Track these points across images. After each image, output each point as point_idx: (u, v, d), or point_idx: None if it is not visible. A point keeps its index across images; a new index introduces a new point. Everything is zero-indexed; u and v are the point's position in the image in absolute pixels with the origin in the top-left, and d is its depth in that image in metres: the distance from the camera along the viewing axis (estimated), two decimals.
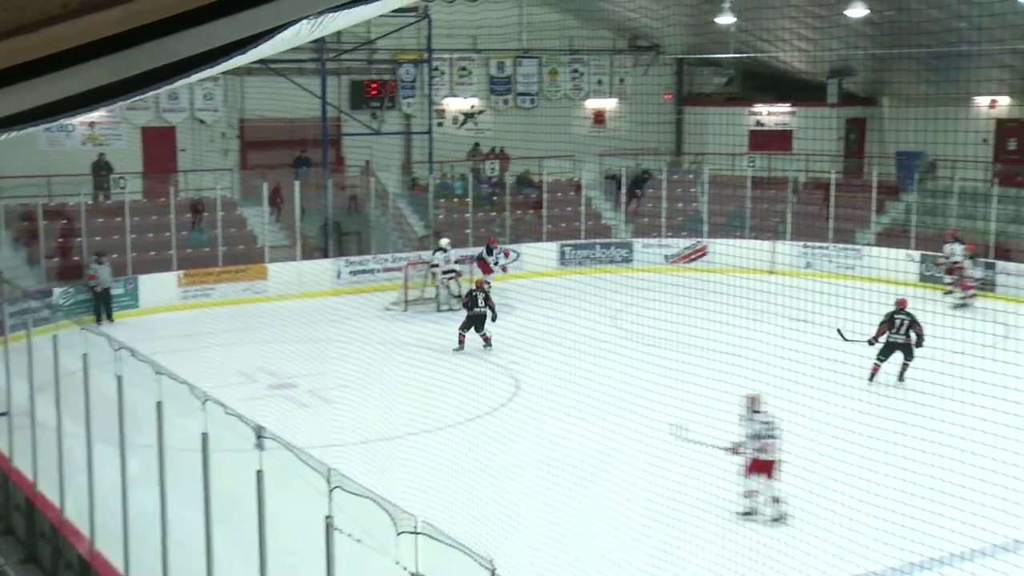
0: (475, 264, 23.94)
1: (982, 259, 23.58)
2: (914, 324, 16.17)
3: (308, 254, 25.94)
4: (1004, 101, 28.22)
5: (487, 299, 19.53)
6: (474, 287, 20.06)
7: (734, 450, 11.42)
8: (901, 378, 16.27)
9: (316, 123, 27.42)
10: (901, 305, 16.65)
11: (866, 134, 31.55)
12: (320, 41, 25.51)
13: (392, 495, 8.53)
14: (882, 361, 16.52)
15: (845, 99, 30.70)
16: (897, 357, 16.46)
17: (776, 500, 11.23)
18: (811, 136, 29.14)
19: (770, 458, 11.31)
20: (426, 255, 24.83)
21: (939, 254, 23.98)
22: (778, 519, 11.07)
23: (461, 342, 19.37)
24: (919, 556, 9.89)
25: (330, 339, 19.60)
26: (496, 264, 24.06)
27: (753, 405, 11.67)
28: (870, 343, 16.24)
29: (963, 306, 21.69)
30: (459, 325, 19.56)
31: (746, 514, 11.27)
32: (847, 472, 11.31)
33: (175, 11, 1.57)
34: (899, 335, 16.35)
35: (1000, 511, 10.06)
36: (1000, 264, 24.02)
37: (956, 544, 9.91)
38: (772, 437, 11.39)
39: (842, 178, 29.22)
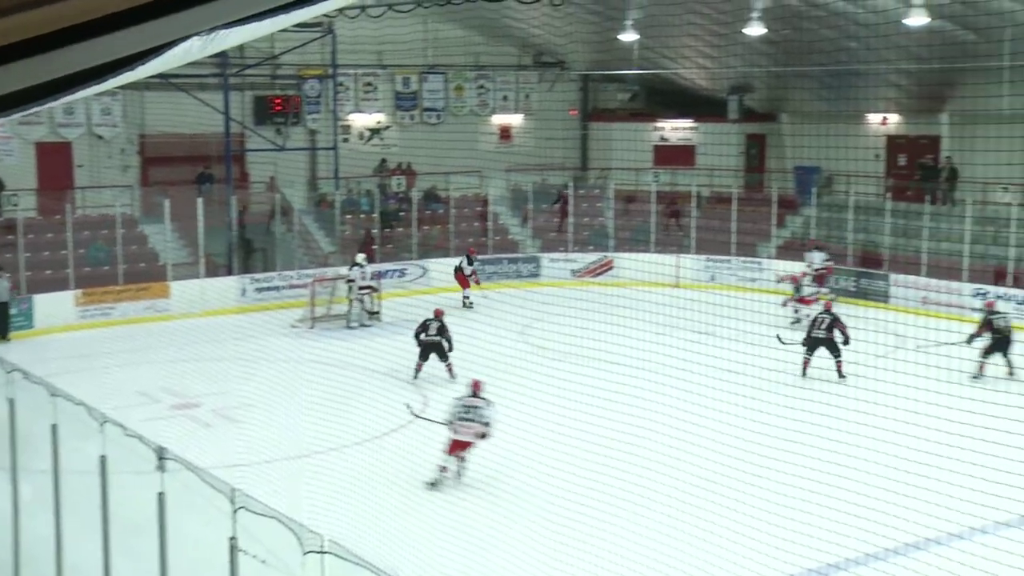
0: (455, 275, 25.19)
1: (842, 267, 24.36)
2: (836, 322, 17.79)
3: (212, 271, 25.52)
4: (894, 119, 29.16)
5: (442, 329, 18.16)
6: (432, 316, 18.52)
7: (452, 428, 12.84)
8: (841, 374, 17.44)
9: (219, 139, 27.03)
10: (827, 307, 18.80)
11: (766, 149, 32.32)
12: (222, 56, 25.19)
13: (298, 515, 8.43)
14: (808, 356, 17.95)
15: (745, 115, 31.41)
16: (824, 353, 17.78)
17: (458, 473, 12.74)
18: (713, 151, 29.75)
19: (464, 439, 12.74)
20: (333, 271, 24.64)
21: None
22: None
23: (419, 368, 18.34)
24: (833, 556, 10.12)
25: (235, 357, 19.31)
26: (471, 276, 25.05)
27: (475, 391, 13.17)
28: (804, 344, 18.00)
29: (797, 321, 21.61)
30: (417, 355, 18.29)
31: (432, 483, 12.69)
32: (748, 479, 11.52)
33: (54, 27, 1.53)
34: (820, 331, 17.92)
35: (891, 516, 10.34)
36: (892, 276, 24.78)
37: (865, 543, 10.17)
38: (471, 420, 12.74)
39: (743, 192, 29.86)
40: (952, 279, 23.85)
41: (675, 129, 32.77)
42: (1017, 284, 22.70)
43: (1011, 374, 17.53)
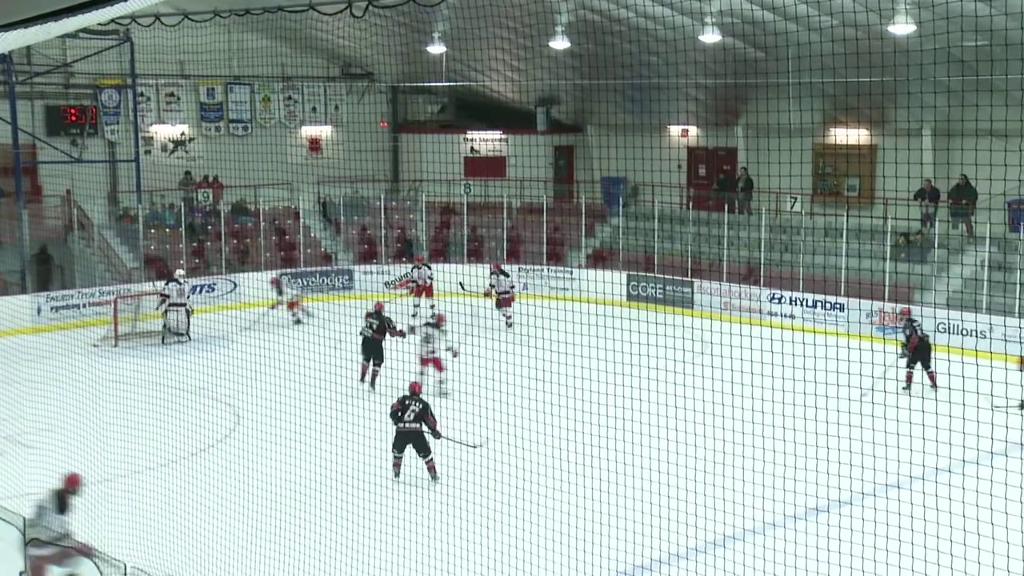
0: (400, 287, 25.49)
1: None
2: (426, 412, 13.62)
3: (3, 290, 24.17)
4: (693, 131, 30.39)
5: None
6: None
7: None
8: None
9: (7, 150, 25.64)
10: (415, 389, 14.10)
11: (574, 160, 33.09)
12: (7, 62, 23.95)
13: (101, 541, 8.09)
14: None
15: (553, 127, 32.09)
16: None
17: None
18: (523, 163, 30.26)
19: None
20: (137, 287, 23.79)
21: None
22: None
23: (364, 370, 18.25)
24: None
25: (30, 380, 18.32)
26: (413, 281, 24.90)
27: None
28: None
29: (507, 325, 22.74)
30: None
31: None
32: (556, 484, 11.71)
33: None
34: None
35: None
36: (697, 283, 25.80)
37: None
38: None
39: (553, 202, 30.47)
40: (750, 284, 25.06)
41: (485, 141, 33.14)
42: (808, 289, 23.99)
43: (934, 386, 17.12)
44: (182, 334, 22.77)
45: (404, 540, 10.63)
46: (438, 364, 17.69)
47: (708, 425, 12.35)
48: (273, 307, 24.05)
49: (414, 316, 23.01)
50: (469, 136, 33.17)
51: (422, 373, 17.33)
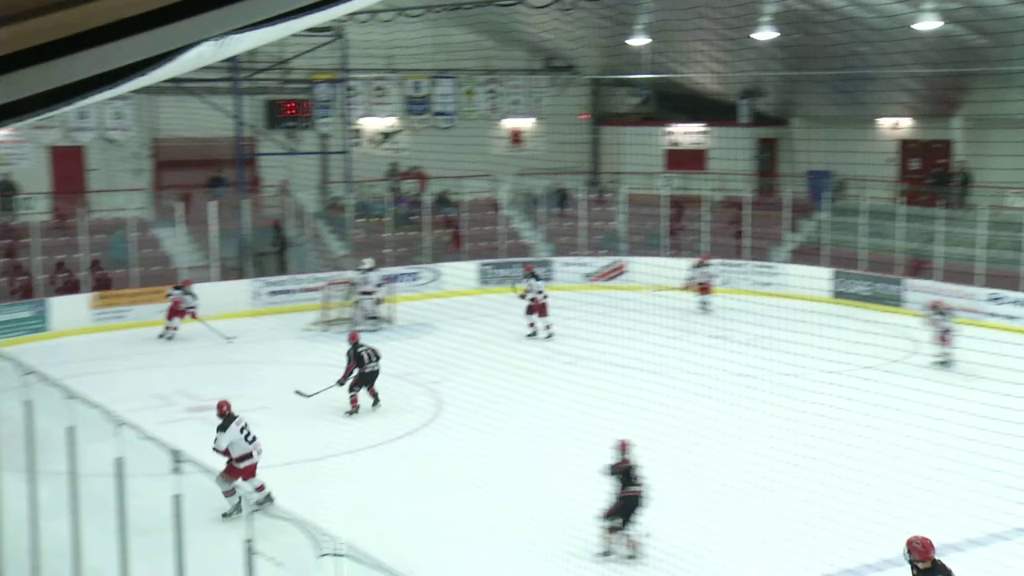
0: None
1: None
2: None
3: (225, 275, 25.60)
4: (906, 123, 29.08)
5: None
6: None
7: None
8: None
9: (231, 142, 27.13)
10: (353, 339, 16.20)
11: (778, 154, 32.25)
12: (233, 60, 25.26)
13: (314, 517, 8.46)
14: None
15: (757, 119, 31.35)
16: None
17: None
18: (725, 156, 29.69)
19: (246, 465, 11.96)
20: (346, 275, 24.68)
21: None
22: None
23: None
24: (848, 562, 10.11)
25: (249, 360, 19.36)
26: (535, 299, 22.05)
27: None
28: (340, 383, 16.22)
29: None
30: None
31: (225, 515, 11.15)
32: (767, 483, 11.49)
33: (68, 32, 1.54)
34: (371, 365, 16.32)
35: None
36: (906, 281, 24.71)
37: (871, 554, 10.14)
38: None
39: (756, 196, 29.80)
40: (966, 283, 23.78)
41: (686, 133, 32.74)
42: None
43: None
44: (373, 318, 23.42)
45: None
46: (543, 310, 20.63)
47: (924, 428, 11.79)
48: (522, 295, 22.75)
49: (531, 335, 21.74)
50: (670, 128, 32.84)
51: (531, 324, 19.63)
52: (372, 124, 31.12)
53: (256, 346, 20.36)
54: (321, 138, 29.93)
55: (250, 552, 6.34)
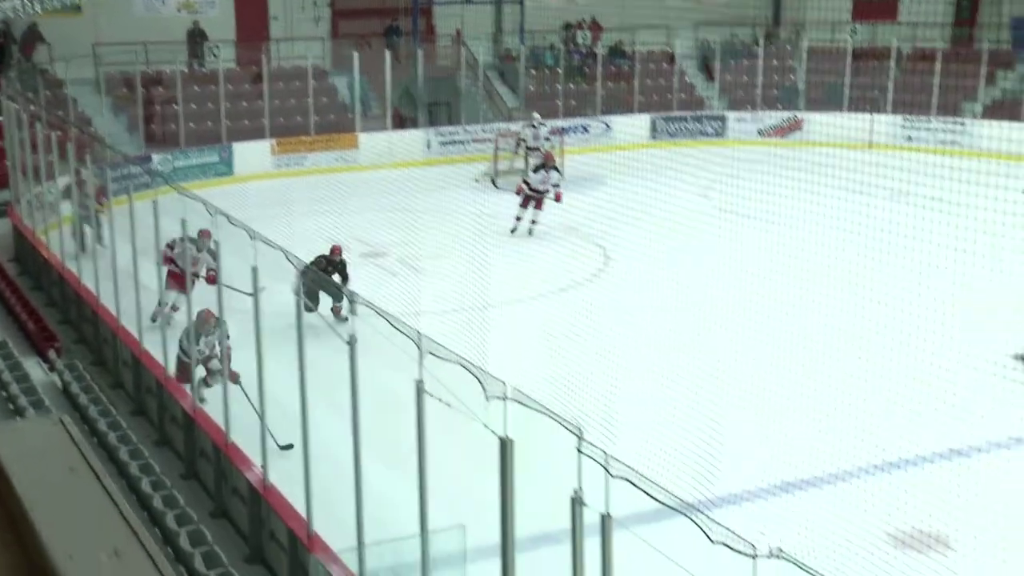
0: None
1: None
2: None
3: (399, 124, 25.97)
4: None
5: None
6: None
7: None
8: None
9: None
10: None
11: (980, 1, 30.05)
12: None
13: (482, 362, 8.71)
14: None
15: None
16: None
17: None
18: (919, 3, 27.85)
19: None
20: (516, 127, 24.65)
21: None
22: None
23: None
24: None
25: (421, 209, 19.71)
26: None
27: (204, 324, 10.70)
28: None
29: None
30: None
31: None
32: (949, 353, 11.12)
33: None
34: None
35: None
36: None
37: None
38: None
39: (949, 48, 27.99)
40: None
41: None
42: None
43: None
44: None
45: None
46: (540, 203, 18.32)
47: None
48: None
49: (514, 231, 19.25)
50: None
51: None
52: None
53: (428, 195, 20.68)
54: None
55: (420, 392, 6.60)
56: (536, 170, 18.47)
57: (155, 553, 1.83)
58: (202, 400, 10.63)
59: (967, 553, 8.35)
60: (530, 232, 18.57)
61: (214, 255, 10.81)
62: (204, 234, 12.39)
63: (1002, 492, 9.58)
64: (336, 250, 14.20)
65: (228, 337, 10.20)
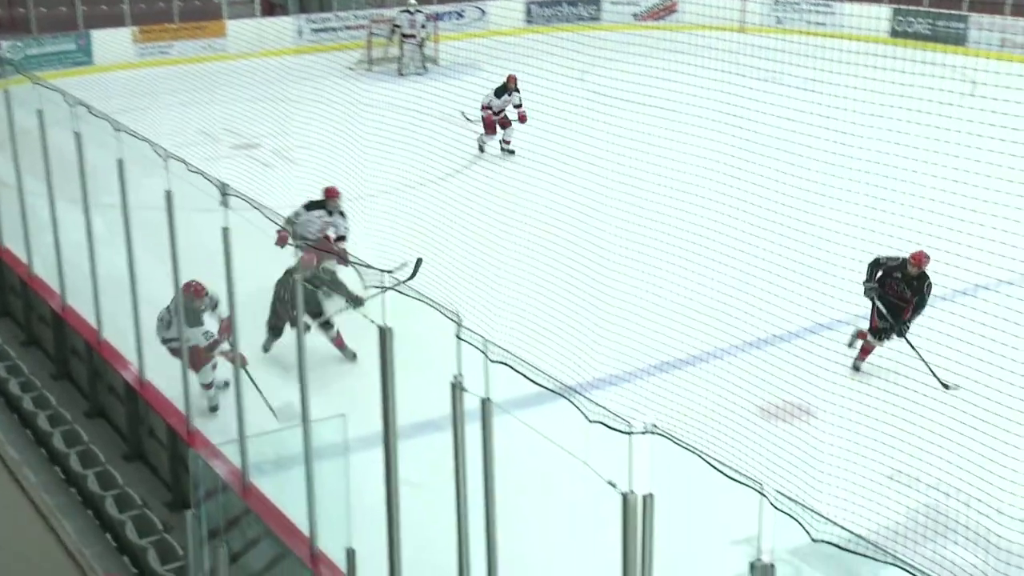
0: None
1: None
2: None
3: (268, 11, 25.09)
4: None
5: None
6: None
7: None
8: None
9: None
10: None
11: None
12: None
13: (361, 253, 8.64)
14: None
15: None
16: None
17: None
18: None
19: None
20: (389, 13, 24.08)
21: None
22: None
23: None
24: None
25: (293, 99, 19.24)
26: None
27: None
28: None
29: None
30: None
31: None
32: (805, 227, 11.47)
33: None
34: None
35: None
36: (972, 17, 23.66)
37: None
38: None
39: None
40: None
41: None
42: None
43: None
44: (427, 58, 23.01)
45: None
46: (504, 122, 17.27)
47: (978, 173, 11.55)
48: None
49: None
50: None
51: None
52: None
53: (301, 84, 20.16)
54: None
55: (297, 283, 6.51)
56: (499, 94, 17.81)
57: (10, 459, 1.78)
58: (215, 408, 9.19)
59: (829, 420, 8.79)
60: (512, 152, 17.77)
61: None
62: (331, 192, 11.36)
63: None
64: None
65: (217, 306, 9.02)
